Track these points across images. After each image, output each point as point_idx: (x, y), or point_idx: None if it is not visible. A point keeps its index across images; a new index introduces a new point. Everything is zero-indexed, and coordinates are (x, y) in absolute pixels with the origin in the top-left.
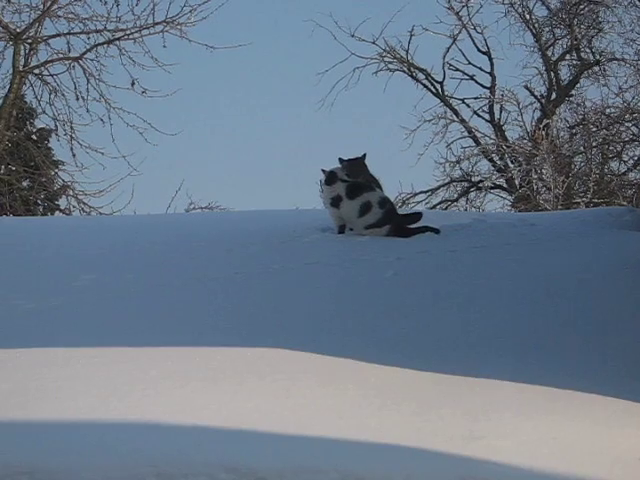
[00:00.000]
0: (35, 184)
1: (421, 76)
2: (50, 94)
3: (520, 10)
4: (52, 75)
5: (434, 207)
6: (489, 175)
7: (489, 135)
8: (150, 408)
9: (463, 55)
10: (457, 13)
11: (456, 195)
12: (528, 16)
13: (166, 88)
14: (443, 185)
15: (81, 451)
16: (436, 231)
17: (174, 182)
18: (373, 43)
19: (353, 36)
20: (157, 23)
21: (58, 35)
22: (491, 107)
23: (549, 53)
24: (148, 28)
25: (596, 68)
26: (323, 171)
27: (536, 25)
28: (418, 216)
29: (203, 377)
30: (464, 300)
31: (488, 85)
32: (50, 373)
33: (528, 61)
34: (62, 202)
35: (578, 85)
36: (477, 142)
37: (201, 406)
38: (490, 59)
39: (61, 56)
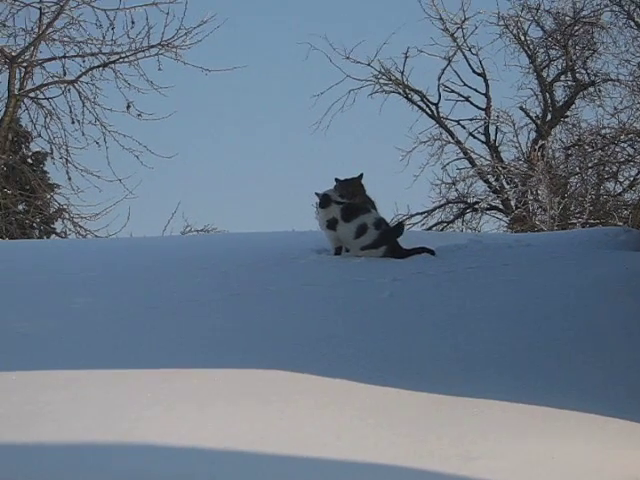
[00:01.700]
0: (31, 207)
1: (416, 98)
2: (45, 117)
3: (515, 31)
4: (47, 98)
5: (430, 228)
6: (485, 196)
7: (485, 156)
8: (146, 430)
9: (458, 76)
10: (452, 35)
11: (452, 216)
12: (523, 37)
13: (162, 111)
14: (439, 206)
15: (77, 473)
16: (432, 252)
17: (170, 205)
18: (368, 65)
19: (348, 58)
20: (152, 46)
21: (53, 58)
22: (486, 128)
23: (544, 74)
24: (143, 51)
25: (591, 89)
26: (317, 194)
27: (531, 46)
28: (401, 226)
29: (199, 399)
30: (460, 321)
31: (483, 106)
32: (46, 396)
33: (523, 82)
34: (58, 225)
35: (573, 106)
36: (473, 163)
37: (197, 428)
38: (485, 80)
39: (56, 79)
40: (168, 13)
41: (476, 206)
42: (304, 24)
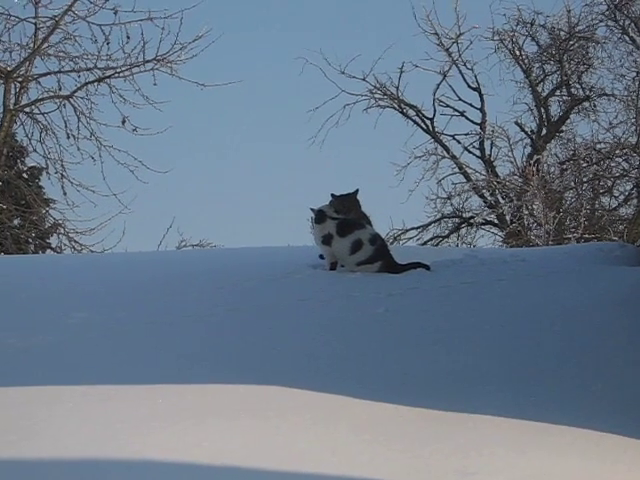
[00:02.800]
0: (26, 222)
1: (411, 112)
2: (41, 132)
3: (510, 46)
4: (43, 113)
5: (425, 243)
6: (480, 211)
7: (480, 171)
8: (141, 446)
9: (453, 91)
10: (447, 49)
11: (447, 231)
12: (518, 52)
13: (157, 126)
14: (434, 221)
15: None
16: (427, 267)
17: (165, 220)
18: (363, 80)
19: (343, 73)
20: (147, 61)
21: (49, 73)
22: (482, 143)
23: (539, 89)
24: (138, 66)
25: (586, 104)
26: (312, 210)
27: (526, 61)
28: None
29: (194, 414)
30: (455, 336)
31: (478, 121)
32: (42, 411)
33: (518, 97)
34: (53, 240)
35: (568, 121)
36: (468, 178)
37: (192, 444)
38: (480, 95)
39: (52, 94)
40: (163, 28)
41: (471, 221)
42: (300, 39)
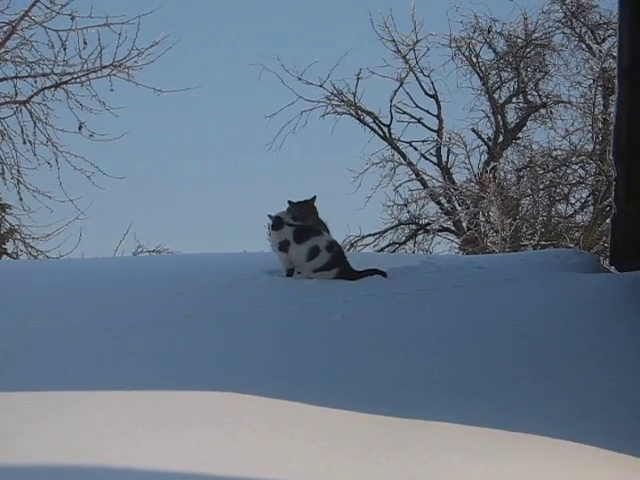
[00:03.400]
0: None
1: (368, 119)
2: None
3: (467, 53)
4: None
5: (382, 250)
6: (437, 218)
7: (437, 178)
8: (99, 452)
9: (410, 98)
10: (404, 56)
11: (404, 238)
12: (475, 59)
13: (114, 131)
14: (391, 228)
15: None
16: (384, 274)
17: (122, 226)
18: (320, 86)
19: (300, 79)
20: (104, 67)
21: (5, 79)
22: (438, 150)
23: (496, 96)
24: (95, 71)
25: (543, 111)
26: (269, 216)
27: (483, 68)
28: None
29: (150, 421)
30: (412, 343)
31: (435, 128)
32: (0, 418)
33: (475, 104)
34: (9, 246)
35: (525, 128)
36: (425, 185)
37: (149, 450)
38: (437, 102)
39: (8, 100)
40: (120, 34)
41: (428, 227)
42: (257, 45)
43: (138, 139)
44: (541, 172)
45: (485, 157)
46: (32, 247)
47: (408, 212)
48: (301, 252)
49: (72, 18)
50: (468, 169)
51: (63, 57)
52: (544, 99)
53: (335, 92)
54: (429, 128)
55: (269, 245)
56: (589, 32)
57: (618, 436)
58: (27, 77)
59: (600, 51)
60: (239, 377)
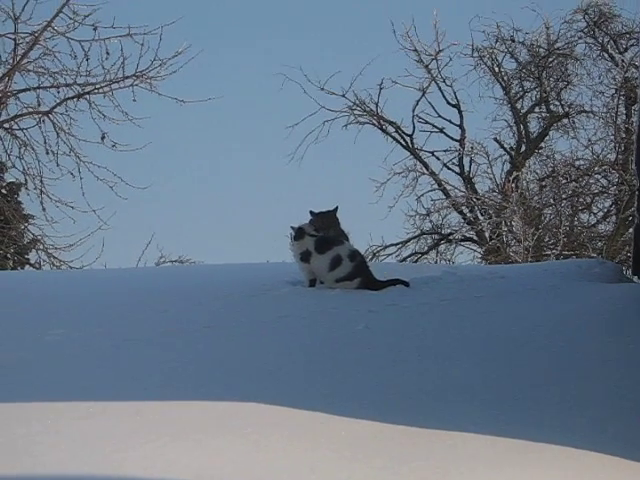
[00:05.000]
0: (5, 238)
1: (391, 129)
2: (20, 148)
3: (489, 63)
4: (22, 129)
5: (404, 260)
6: (459, 227)
7: (459, 187)
8: (121, 463)
9: (433, 108)
10: (426, 66)
11: (426, 248)
12: (497, 69)
13: (136, 142)
14: (413, 238)
15: None
16: (406, 284)
17: (144, 236)
18: (343, 96)
19: (322, 89)
20: (127, 77)
21: (28, 89)
22: (461, 160)
23: (518, 106)
24: (118, 82)
25: (565, 120)
26: (292, 228)
27: (505, 78)
28: None
29: (174, 431)
30: (435, 353)
31: (458, 138)
32: (20, 429)
33: (497, 114)
34: (32, 256)
35: (547, 137)
36: (447, 195)
37: (172, 461)
38: (460, 112)
39: (31, 110)
40: (143, 44)
41: (450, 237)
42: (279, 55)
43: (161, 149)
44: (564, 182)
45: (507, 167)
46: (55, 257)
47: (430, 222)
48: (323, 262)
49: (95, 28)
50: (490, 179)
51: (86, 67)
52: (566, 109)
53: (357, 102)
54: (451, 138)
55: (291, 255)
56: (611, 41)
57: None
58: (50, 87)
59: (622, 60)
60: (261, 388)
